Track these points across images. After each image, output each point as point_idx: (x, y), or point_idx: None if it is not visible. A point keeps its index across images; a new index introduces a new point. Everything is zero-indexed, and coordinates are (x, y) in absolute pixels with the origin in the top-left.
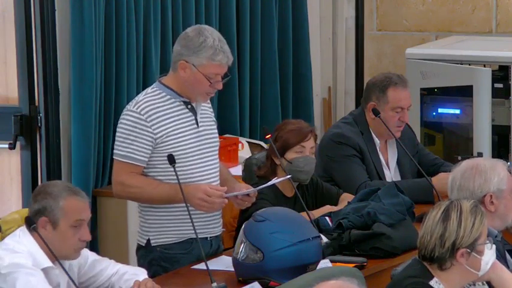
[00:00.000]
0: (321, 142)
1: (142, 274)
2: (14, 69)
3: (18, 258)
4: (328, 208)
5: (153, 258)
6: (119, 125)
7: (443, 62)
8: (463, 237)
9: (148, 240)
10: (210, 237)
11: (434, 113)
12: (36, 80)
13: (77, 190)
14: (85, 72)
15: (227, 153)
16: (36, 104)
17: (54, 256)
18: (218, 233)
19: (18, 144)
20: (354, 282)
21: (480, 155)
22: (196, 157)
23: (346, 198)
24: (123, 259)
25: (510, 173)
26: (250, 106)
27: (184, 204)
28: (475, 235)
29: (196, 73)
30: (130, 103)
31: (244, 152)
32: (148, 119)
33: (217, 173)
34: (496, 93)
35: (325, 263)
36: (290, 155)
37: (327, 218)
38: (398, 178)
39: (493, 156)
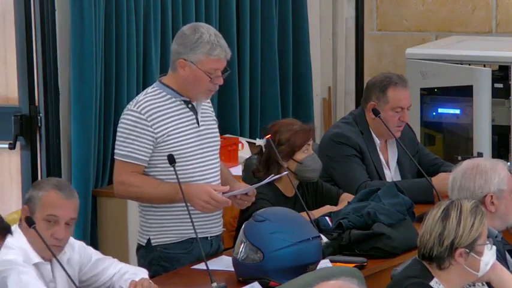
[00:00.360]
0: (321, 142)
1: (142, 274)
2: (14, 69)
3: (10, 255)
4: (328, 208)
5: (153, 257)
6: (120, 125)
7: (443, 62)
8: (462, 236)
9: (149, 239)
10: (211, 237)
11: (434, 113)
12: (36, 80)
13: (64, 187)
14: (85, 72)
15: (227, 153)
16: (36, 104)
17: (50, 250)
18: (219, 233)
19: (18, 144)
20: (354, 282)
21: (480, 155)
22: (197, 156)
23: (346, 198)
24: (123, 259)
25: (511, 173)
26: (250, 106)
27: (184, 204)
28: (474, 235)
29: (195, 70)
30: (130, 103)
31: (244, 152)
32: (149, 119)
33: (218, 172)
34: (496, 93)
35: (325, 263)
36: (299, 155)
37: (327, 218)
38: (399, 178)
39: (493, 156)
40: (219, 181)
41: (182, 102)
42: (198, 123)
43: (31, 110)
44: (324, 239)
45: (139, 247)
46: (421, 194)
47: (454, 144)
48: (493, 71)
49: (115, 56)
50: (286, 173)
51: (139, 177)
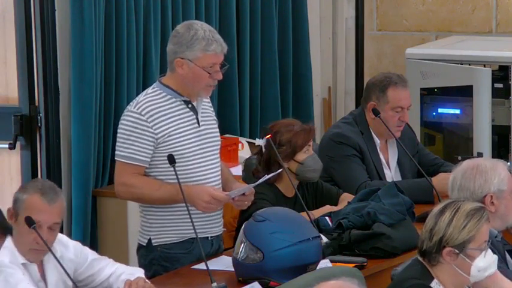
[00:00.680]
0: (321, 142)
1: (139, 274)
2: (14, 69)
3: None
4: (328, 208)
5: (153, 257)
6: (120, 126)
7: (443, 62)
8: (451, 235)
9: (150, 239)
10: (211, 236)
11: (434, 113)
12: (36, 80)
13: (47, 191)
14: (85, 72)
15: (227, 153)
16: (36, 104)
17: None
18: (219, 233)
19: (18, 144)
20: (354, 282)
21: (480, 155)
22: (197, 156)
23: (346, 198)
24: (123, 259)
25: (511, 173)
26: (250, 106)
27: (185, 204)
28: (465, 237)
29: (193, 67)
30: (130, 103)
31: (244, 152)
32: (149, 119)
33: (219, 172)
34: (496, 93)
35: (325, 263)
36: (300, 156)
37: (327, 218)
38: (399, 178)
39: (493, 156)
40: (220, 181)
41: (182, 102)
42: (198, 123)
43: (31, 110)
44: (324, 239)
45: (140, 247)
46: (421, 194)
47: (454, 144)
48: (493, 71)
49: (115, 56)
50: (281, 170)
51: (140, 179)
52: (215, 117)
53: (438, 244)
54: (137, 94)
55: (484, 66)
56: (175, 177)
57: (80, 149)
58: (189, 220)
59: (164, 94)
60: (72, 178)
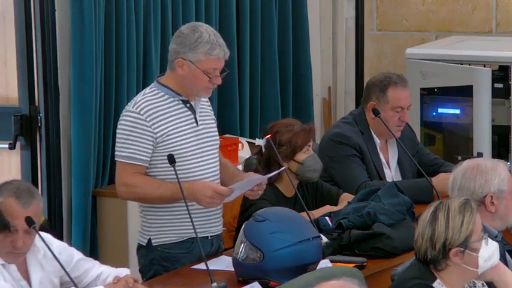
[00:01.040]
0: (321, 142)
1: (126, 273)
2: (14, 69)
3: None
4: (328, 208)
5: (154, 257)
6: (119, 127)
7: (443, 62)
8: (453, 236)
9: (149, 239)
10: (211, 236)
11: (434, 113)
12: (36, 80)
13: (22, 194)
14: (85, 72)
15: (227, 153)
16: (36, 104)
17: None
18: (219, 232)
19: (18, 144)
20: (355, 282)
21: (480, 155)
22: (196, 155)
23: (346, 198)
24: (123, 259)
25: (511, 173)
26: (250, 106)
27: (184, 204)
28: (465, 233)
29: (194, 69)
30: (129, 104)
31: (244, 152)
32: (148, 119)
33: (218, 171)
34: (496, 93)
35: (325, 263)
36: (300, 156)
37: (327, 218)
38: (399, 178)
39: (493, 156)
40: (219, 180)
41: (180, 101)
42: (196, 123)
43: (31, 110)
44: (324, 239)
45: (140, 247)
46: (421, 194)
47: (454, 144)
48: (493, 71)
49: (115, 56)
50: (283, 168)
51: (141, 178)
52: (214, 117)
53: (443, 249)
54: (137, 94)
55: (484, 66)
56: (174, 176)
57: (80, 149)
58: (189, 220)
59: (162, 94)
60: (72, 178)
